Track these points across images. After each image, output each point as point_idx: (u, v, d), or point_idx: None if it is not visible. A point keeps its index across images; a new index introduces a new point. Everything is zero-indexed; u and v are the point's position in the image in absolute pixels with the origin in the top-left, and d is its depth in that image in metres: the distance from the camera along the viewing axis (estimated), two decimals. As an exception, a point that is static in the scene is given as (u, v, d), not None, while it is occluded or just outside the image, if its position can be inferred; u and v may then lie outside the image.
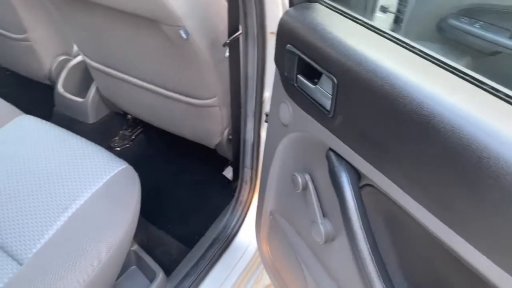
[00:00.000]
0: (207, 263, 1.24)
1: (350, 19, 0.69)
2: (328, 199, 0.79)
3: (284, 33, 0.74)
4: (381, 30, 0.65)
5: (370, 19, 0.91)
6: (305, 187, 0.82)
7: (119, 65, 1.33)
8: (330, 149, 0.70)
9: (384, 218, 0.67)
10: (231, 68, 1.12)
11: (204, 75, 1.15)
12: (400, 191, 0.57)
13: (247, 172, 1.27)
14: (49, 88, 1.81)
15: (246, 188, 1.31)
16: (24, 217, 1.01)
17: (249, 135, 1.17)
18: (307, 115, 0.74)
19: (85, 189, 1.06)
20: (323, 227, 0.79)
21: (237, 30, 1.02)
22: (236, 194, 1.33)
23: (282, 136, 0.85)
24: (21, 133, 1.21)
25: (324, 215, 0.80)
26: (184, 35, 1.00)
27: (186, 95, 1.26)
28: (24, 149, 1.16)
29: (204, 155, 1.56)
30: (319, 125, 0.71)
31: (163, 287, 1.19)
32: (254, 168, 1.26)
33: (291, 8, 0.76)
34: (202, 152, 1.53)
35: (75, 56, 1.75)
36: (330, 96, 0.65)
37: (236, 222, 1.33)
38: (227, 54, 1.11)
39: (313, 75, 0.71)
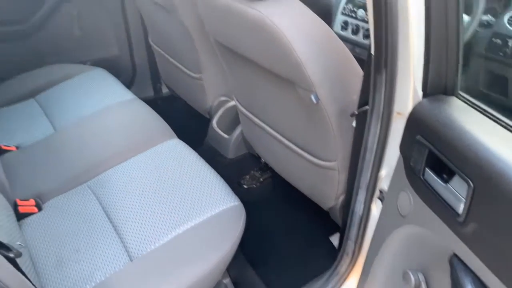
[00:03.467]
0: (288, 322, 1.23)
1: (492, 119, 0.65)
2: None
3: (415, 123, 0.73)
4: None
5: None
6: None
7: (260, 113, 1.49)
8: (455, 254, 0.64)
9: None
10: (354, 139, 1.15)
11: (328, 139, 1.20)
12: None
13: (350, 245, 1.24)
14: (207, 121, 2.09)
15: (346, 260, 1.27)
16: (146, 221, 1.19)
17: (358, 207, 1.16)
18: (431, 211, 0.70)
19: (198, 214, 1.20)
20: None
21: (368, 103, 1.05)
22: (334, 264, 1.30)
23: (397, 225, 0.82)
24: (169, 153, 1.44)
25: None
26: (314, 100, 1.08)
27: (309, 153, 1.32)
28: (166, 166, 1.38)
29: (318, 215, 1.57)
30: (444, 226, 0.66)
31: (240, 329, 1.23)
32: (358, 242, 1.22)
33: (425, 99, 0.76)
34: (317, 211, 1.55)
35: (232, 100, 2.00)
36: (463, 199, 0.60)
37: (328, 292, 1.29)
38: (354, 124, 1.15)
39: (443, 171, 0.67)
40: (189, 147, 1.50)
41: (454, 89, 0.75)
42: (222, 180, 1.34)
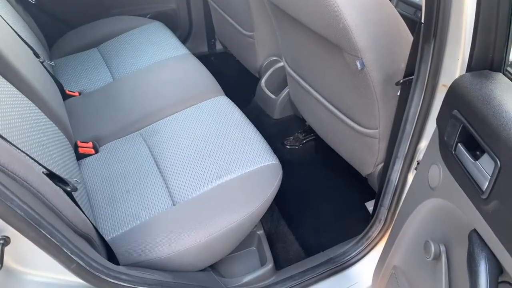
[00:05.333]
0: (314, 276, 1.29)
1: None
2: (459, 278, 0.73)
3: (454, 97, 0.72)
4: None
5: None
6: (437, 258, 0.77)
7: (307, 76, 1.49)
8: (475, 230, 0.65)
9: None
10: (397, 109, 1.14)
11: (372, 107, 1.20)
12: None
13: (382, 211, 1.26)
14: (256, 81, 2.12)
15: (378, 226, 1.30)
16: (191, 170, 1.28)
17: (394, 176, 1.16)
18: (458, 186, 0.70)
19: (237, 168, 1.27)
20: None
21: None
22: (366, 228, 1.33)
23: (425, 197, 0.83)
24: (216, 109, 1.51)
25: None
26: (359, 66, 1.07)
27: (352, 120, 1.32)
28: (212, 121, 1.45)
29: (356, 180, 1.59)
30: (468, 201, 0.66)
31: (269, 276, 1.32)
32: (391, 210, 1.24)
33: (468, 74, 0.74)
34: (355, 177, 1.57)
35: (282, 61, 2.00)
36: (489, 177, 0.61)
37: (357, 254, 1.33)
38: (399, 93, 1.13)
39: (474, 148, 0.67)
40: (235, 105, 1.55)
41: (501, 65, 0.72)
42: (263, 139, 1.39)
